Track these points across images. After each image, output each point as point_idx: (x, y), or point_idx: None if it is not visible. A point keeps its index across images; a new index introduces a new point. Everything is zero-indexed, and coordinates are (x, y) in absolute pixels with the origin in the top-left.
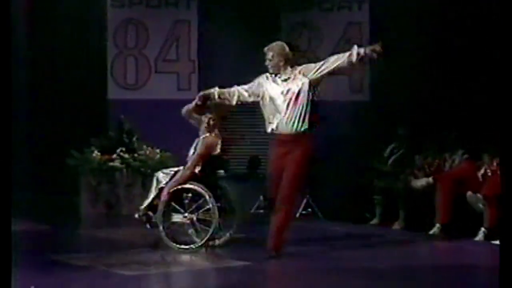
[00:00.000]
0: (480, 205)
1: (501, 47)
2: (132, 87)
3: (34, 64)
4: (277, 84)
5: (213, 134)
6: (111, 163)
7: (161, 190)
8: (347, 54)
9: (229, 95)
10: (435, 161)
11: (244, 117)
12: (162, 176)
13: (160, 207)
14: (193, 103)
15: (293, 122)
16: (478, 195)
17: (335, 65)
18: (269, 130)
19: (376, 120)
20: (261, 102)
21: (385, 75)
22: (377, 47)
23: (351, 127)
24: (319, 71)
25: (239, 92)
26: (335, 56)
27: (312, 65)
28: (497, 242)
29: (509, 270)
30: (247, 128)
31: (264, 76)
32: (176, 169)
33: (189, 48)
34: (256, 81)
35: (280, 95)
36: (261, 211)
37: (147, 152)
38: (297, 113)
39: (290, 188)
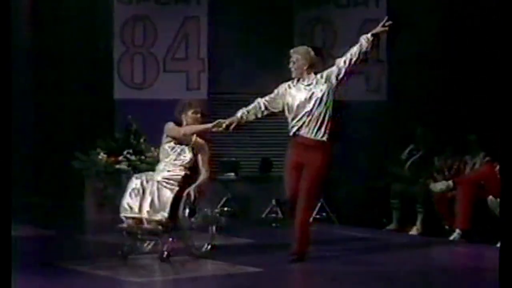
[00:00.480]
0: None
1: None
2: (140, 87)
3: (37, 63)
4: (300, 90)
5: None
6: (117, 166)
7: (178, 195)
8: (355, 47)
9: (255, 113)
10: (455, 164)
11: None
12: (166, 182)
13: (184, 211)
14: (202, 127)
15: (317, 129)
16: (499, 199)
17: (352, 64)
18: (291, 133)
19: (394, 121)
20: (285, 108)
21: (403, 74)
22: (385, 22)
23: (368, 128)
24: (339, 76)
25: (265, 105)
26: (348, 55)
27: (334, 69)
28: None
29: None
30: (258, 130)
31: (285, 85)
32: (181, 173)
33: (199, 46)
34: (278, 91)
35: (304, 101)
36: (274, 215)
37: (155, 154)
38: (320, 120)
39: (309, 193)
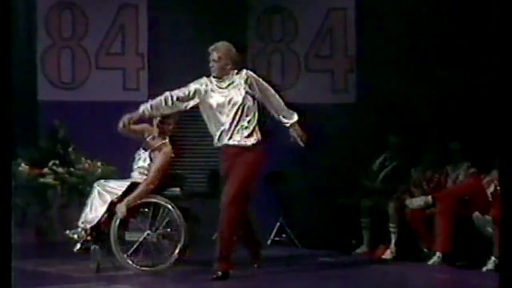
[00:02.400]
0: (489, 229)
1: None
2: (68, 86)
3: None
4: (218, 91)
5: (167, 141)
6: (42, 179)
7: (111, 205)
8: (283, 112)
9: (159, 108)
10: (435, 176)
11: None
12: (110, 189)
13: (115, 225)
14: (121, 123)
15: (239, 135)
16: (487, 216)
17: (271, 109)
18: (214, 142)
19: (364, 126)
20: (201, 110)
21: (374, 72)
22: (303, 137)
23: (333, 134)
24: (261, 98)
25: (173, 101)
26: (277, 101)
27: (264, 85)
28: None
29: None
30: (203, 137)
31: (201, 82)
32: (127, 181)
33: (137, 38)
34: (192, 87)
35: (222, 104)
36: None
37: (86, 165)
38: (242, 125)
39: (233, 202)
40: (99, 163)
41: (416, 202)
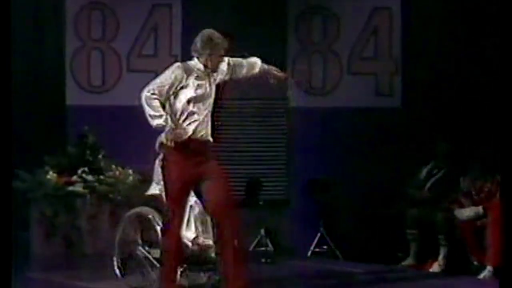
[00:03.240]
0: None
1: None
2: (98, 90)
3: None
4: (201, 79)
5: None
6: (71, 187)
7: None
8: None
9: None
10: (485, 185)
11: (241, 129)
12: None
13: None
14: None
15: (209, 128)
16: None
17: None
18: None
19: (410, 133)
20: (171, 100)
21: (422, 75)
22: (283, 75)
23: (377, 141)
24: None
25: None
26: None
27: (237, 61)
28: None
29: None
30: (243, 143)
31: (183, 67)
32: None
33: (171, 40)
34: (171, 74)
35: (201, 93)
36: (262, 248)
37: (117, 173)
38: (210, 118)
39: (234, 209)
40: (130, 171)
41: (466, 212)
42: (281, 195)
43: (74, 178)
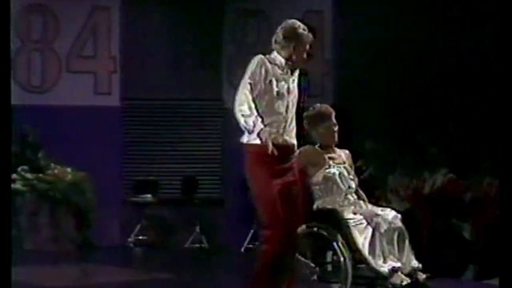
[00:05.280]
0: (466, 235)
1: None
2: (38, 90)
3: None
4: (286, 75)
5: None
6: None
7: None
8: None
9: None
10: (412, 182)
11: (178, 129)
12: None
13: None
14: None
15: (293, 130)
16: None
17: None
18: (265, 137)
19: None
20: (257, 93)
21: (350, 75)
22: None
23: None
24: None
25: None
26: None
27: None
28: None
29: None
30: (178, 143)
31: (267, 59)
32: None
33: (109, 41)
34: (260, 68)
35: (286, 91)
36: (197, 245)
37: (56, 171)
38: (293, 118)
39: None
40: (69, 169)
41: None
42: (216, 193)
43: (14, 176)
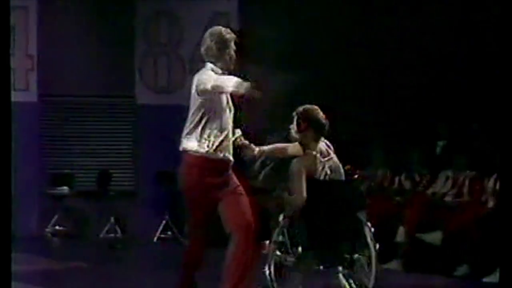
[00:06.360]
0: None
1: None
2: None
3: None
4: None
5: None
6: None
7: None
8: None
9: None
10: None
11: (93, 124)
12: None
13: None
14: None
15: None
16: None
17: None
18: (216, 151)
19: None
20: (207, 108)
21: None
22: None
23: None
24: None
25: None
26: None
27: None
28: None
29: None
30: (96, 137)
31: (212, 69)
32: None
33: (27, 40)
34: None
35: (226, 105)
36: (112, 235)
37: None
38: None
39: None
40: None
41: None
42: (129, 186)
43: None
